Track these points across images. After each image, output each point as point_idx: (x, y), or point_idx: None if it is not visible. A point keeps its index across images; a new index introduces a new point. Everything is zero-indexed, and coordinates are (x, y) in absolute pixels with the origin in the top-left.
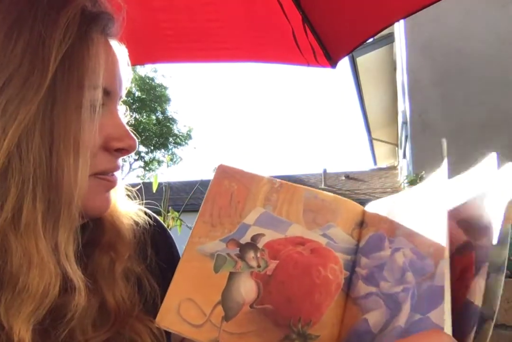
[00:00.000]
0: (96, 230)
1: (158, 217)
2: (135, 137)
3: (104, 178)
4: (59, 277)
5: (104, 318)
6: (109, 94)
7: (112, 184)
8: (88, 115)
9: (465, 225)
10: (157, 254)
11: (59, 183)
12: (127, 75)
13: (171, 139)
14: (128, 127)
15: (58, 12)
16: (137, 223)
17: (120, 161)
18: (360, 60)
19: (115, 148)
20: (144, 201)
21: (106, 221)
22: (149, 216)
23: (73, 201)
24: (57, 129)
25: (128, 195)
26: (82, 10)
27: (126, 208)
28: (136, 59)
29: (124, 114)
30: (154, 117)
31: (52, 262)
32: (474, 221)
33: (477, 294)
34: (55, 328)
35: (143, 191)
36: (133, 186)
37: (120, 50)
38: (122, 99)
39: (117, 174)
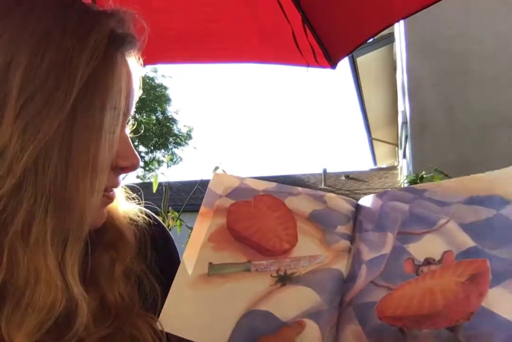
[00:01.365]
0: (97, 230)
1: (157, 217)
2: (138, 156)
3: (105, 195)
4: (65, 294)
5: (104, 314)
6: (125, 115)
7: (111, 200)
8: (108, 137)
9: (472, 231)
10: (157, 254)
11: (72, 202)
12: (138, 92)
13: (171, 139)
14: (132, 145)
15: (88, 32)
16: (137, 223)
17: (120, 178)
18: (360, 60)
19: (120, 167)
20: (143, 201)
21: (107, 221)
22: (148, 216)
23: (84, 221)
24: (76, 148)
25: (128, 195)
26: (111, 31)
27: (126, 209)
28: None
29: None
30: (154, 117)
31: (59, 278)
32: (487, 229)
33: (501, 306)
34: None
35: (143, 191)
36: (132, 187)
37: (136, 69)
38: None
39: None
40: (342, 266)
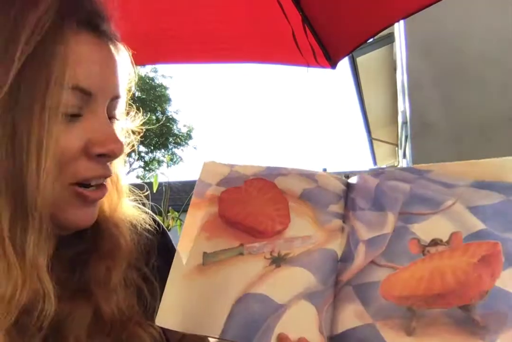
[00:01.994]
0: (94, 238)
1: (159, 219)
2: (120, 141)
3: (82, 193)
4: (27, 284)
5: (99, 327)
6: (91, 95)
7: (91, 199)
8: (56, 119)
9: (481, 214)
10: (158, 259)
11: (23, 188)
12: (123, 75)
13: (171, 139)
14: (115, 131)
15: (31, 5)
16: (138, 228)
17: (108, 167)
18: (360, 60)
19: (96, 154)
20: (141, 201)
21: (104, 228)
22: (153, 220)
23: (39, 208)
24: (19, 133)
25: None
26: (60, 2)
27: (128, 212)
28: (137, 60)
29: (125, 115)
30: (154, 117)
31: (19, 267)
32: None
33: None
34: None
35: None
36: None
37: (118, 51)
38: (119, 99)
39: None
40: (336, 245)
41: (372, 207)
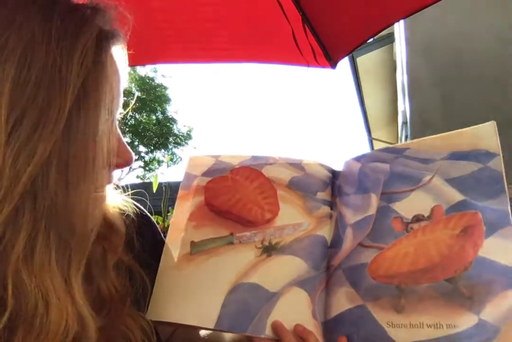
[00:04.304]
0: None
1: (141, 206)
2: (132, 152)
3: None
4: (75, 316)
5: (98, 307)
6: (115, 112)
7: (104, 199)
8: (102, 140)
9: (459, 185)
10: (146, 243)
11: (74, 217)
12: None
13: (171, 139)
14: (125, 141)
15: (76, 35)
16: (125, 213)
17: (113, 174)
18: (360, 60)
19: (116, 165)
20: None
21: None
22: (134, 205)
23: (87, 233)
24: (73, 162)
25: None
26: (99, 31)
27: (115, 200)
28: (136, 60)
29: (121, 115)
30: (154, 117)
31: (69, 301)
32: (474, 181)
33: (499, 253)
34: None
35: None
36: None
37: (122, 62)
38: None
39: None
40: (325, 231)
41: (356, 191)
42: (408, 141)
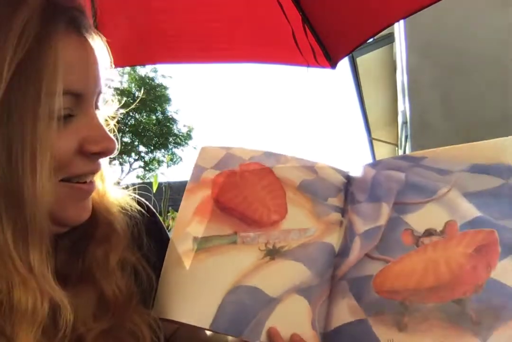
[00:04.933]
0: (89, 223)
1: (148, 203)
2: (113, 139)
3: (77, 187)
4: (44, 294)
5: (103, 309)
6: (82, 96)
7: (86, 192)
8: (50, 127)
9: (476, 200)
10: (152, 242)
11: (22, 199)
12: (105, 68)
13: (171, 139)
14: (106, 129)
15: (14, 10)
16: (128, 212)
17: (99, 162)
18: (360, 60)
19: (91, 153)
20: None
21: (98, 214)
22: (139, 203)
23: (39, 216)
24: (14, 147)
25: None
26: (43, 4)
27: (117, 198)
28: (137, 60)
29: (114, 111)
30: (154, 117)
31: (34, 280)
32: (493, 200)
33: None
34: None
35: (143, 191)
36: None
37: (95, 41)
38: (101, 93)
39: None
40: (333, 239)
41: (368, 198)
42: (426, 150)
